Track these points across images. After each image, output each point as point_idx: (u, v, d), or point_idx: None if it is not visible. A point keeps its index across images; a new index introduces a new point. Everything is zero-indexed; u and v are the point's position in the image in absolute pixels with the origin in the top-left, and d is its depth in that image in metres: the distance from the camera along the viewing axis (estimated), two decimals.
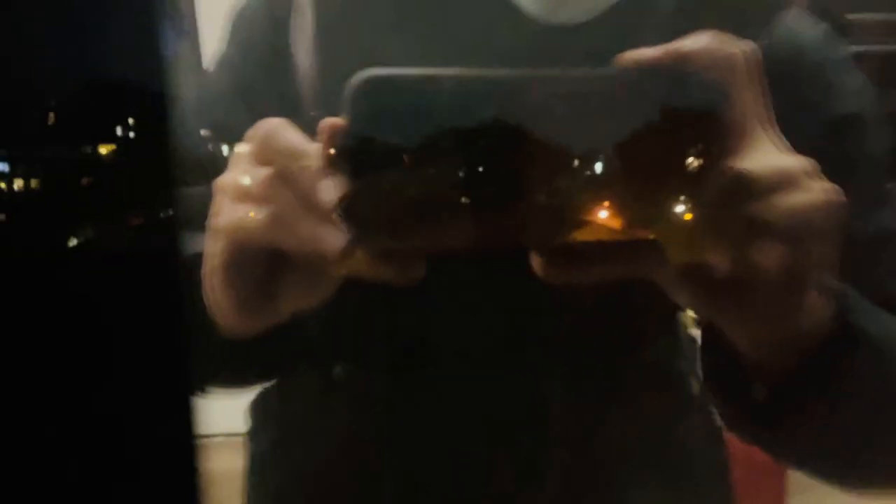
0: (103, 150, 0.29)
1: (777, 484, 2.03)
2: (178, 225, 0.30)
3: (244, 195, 0.41)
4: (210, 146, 0.56)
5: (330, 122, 0.37)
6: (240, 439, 0.64)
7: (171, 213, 0.29)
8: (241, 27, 0.61)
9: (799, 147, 0.38)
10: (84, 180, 0.29)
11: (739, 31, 0.39)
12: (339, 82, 0.44)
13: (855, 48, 0.72)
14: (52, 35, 0.27)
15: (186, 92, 0.63)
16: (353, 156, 0.37)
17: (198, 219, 0.44)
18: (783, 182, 0.36)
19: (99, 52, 0.28)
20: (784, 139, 0.38)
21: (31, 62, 0.27)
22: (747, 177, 0.36)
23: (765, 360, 0.41)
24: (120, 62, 0.29)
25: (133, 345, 0.29)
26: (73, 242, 0.28)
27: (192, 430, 0.31)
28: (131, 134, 0.29)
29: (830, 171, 0.37)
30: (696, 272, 0.37)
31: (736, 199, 0.35)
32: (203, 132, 0.57)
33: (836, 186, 0.37)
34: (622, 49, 0.37)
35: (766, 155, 0.37)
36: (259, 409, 0.63)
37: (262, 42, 0.59)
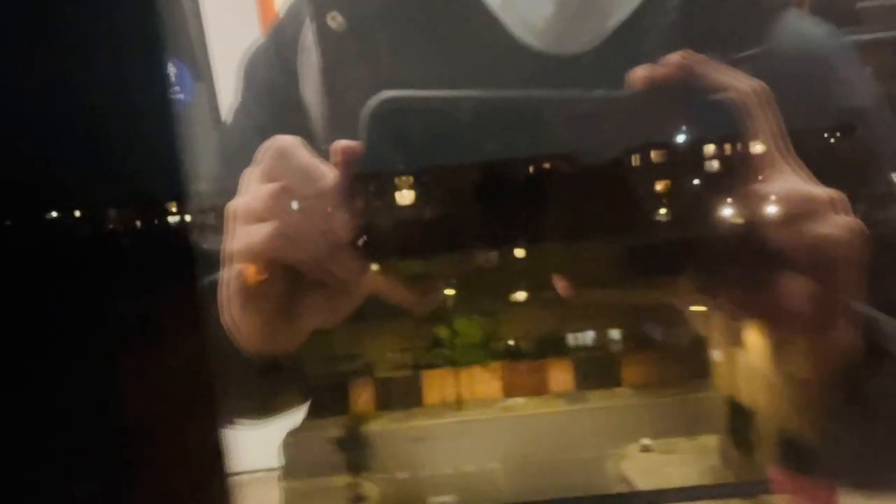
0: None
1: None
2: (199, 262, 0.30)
3: (253, 215, 0.41)
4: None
5: (343, 143, 0.37)
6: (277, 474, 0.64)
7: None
8: (251, 75, 0.62)
9: (811, 143, 0.37)
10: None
11: (742, 34, 0.39)
12: (346, 116, 0.43)
13: (868, 36, 0.71)
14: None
15: (203, 137, 0.64)
16: (369, 178, 0.37)
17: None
18: (809, 210, 0.36)
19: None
20: (807, 169, 0.38)
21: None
22: (774, 197, 0.36)
23: (794, 385, 0.41)
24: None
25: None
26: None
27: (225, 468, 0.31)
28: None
29: (840, 166, 0.37)
30: (719, 301, 0.37)
31: (762, 221, 0.36)
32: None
33: (860, 221, 0.37)
34: (627, 72, 0.37)
35: (792, 183, 0.37)
36: (292, 448, 0.62)
37: (271, 85, 0.60)
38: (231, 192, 0.43)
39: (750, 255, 0.36)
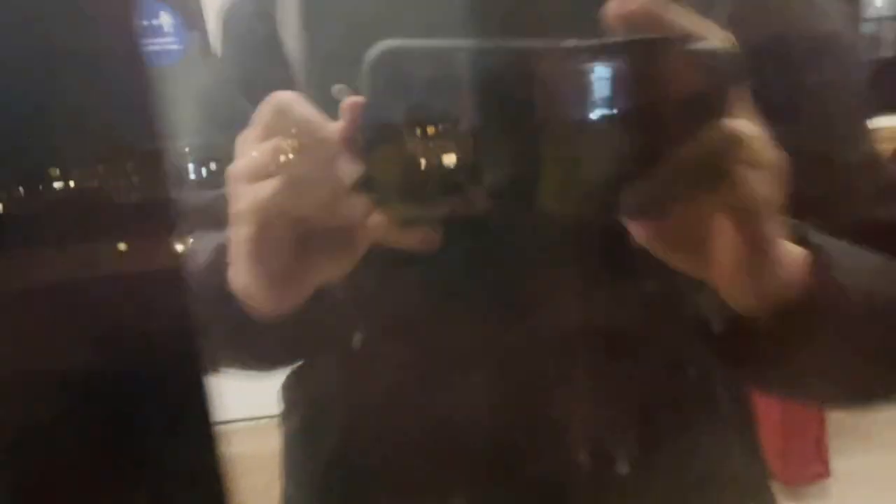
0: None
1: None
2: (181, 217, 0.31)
3: (257, 173, 0.42)
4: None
5: (352, 100, 0.38)
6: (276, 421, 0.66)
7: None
8: (231, 24, 0.62)
9: (785, 72, 0.38)
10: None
11: None
12: (327, 63, 0.43)
13: None
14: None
15: (196, 86, 0.64)
16: (371, 125, 0.38)
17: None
18: (759, 165, 0.38)
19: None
20: (765, 131, 0.39)
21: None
22: (738, 139, 0.37)
23: (748, 308, 0.43)
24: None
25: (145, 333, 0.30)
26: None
27: (210, 416, 0.31)
28: None
29: (812, 93, 0.37)
30: (666, 224, 0.40)
31: (718, 157, 0.37)
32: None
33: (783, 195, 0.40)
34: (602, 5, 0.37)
35: (745, 135, 0.38)
36: (289, 390, 0.64)
37: (252, 35, 0.60)
38: (214, 145, 0.44)
39: (688, 192, 0.38)
